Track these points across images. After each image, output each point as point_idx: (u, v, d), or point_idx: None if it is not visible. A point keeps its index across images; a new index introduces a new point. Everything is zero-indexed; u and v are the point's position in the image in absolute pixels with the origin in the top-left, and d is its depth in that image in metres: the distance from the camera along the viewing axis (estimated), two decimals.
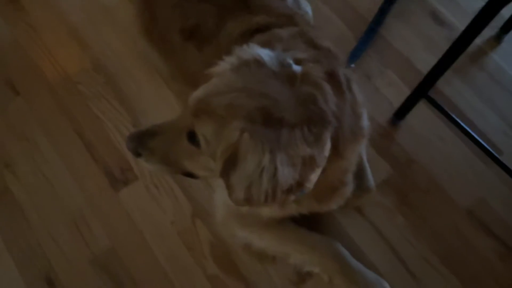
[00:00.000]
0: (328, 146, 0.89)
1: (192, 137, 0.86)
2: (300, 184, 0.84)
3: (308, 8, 1.55)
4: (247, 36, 1.09)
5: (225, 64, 0.89)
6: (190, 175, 0.97)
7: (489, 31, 1.61)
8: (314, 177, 0.90)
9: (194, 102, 0.85)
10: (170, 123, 0.93)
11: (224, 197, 1.23)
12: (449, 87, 1.52)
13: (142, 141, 0.93)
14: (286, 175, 0.79)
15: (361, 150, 1.27)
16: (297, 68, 0.86)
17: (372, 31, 1.58)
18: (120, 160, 1.39)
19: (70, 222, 1.31)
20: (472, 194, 1.36)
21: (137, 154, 0.94)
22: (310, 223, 1.25)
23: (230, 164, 0.81)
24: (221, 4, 1.19)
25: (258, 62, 0.85)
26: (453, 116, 1.34)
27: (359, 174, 1.28)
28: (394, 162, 1.39)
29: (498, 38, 1.61)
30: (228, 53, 0.99)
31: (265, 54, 0.86)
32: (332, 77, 0.92)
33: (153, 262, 1.27)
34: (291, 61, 0.86)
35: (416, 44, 1.56)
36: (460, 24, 1.59)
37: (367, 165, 1.32)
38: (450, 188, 1.36)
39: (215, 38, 1.18)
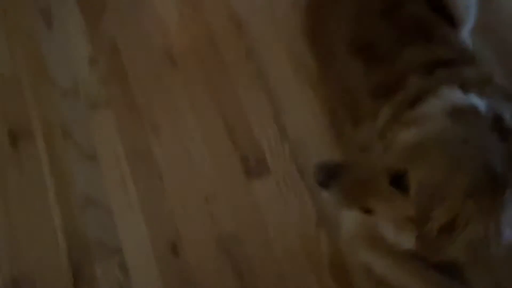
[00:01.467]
0: None
1: (398, 182, 0.84)
2: None
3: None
4: (429, 68, 1.07)
5: (434, 107, 0.87)
6: (368, 211, 0.95)
7: None
8: None
9: (409, 145, 0.84)
10: (369, 161, 0.92)
11: (355, 214, 1.24)
12: None
13: (333, 174, 0.91)
14: (510, 236, 0.77)
15: None
16: (509, 122, 0.83)
17: None
18: (256, 151, 1.43)
19: (201, 198, 1.37)
20: None
21: (325, 187, 0.93)
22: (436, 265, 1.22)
23: (447, 225, 0.79)
24: (402, 28, 1.18)
25: (476, 112, 0.83)
26: None
27: None
28: None
29: None
30: (403, 82, 0.98)
31: (479, 103, 0.84)
32: None
33: (270, 257, 1.30)
34: (505, 114, 0.84)
35: None
36: None
37: None
38: None
39: (388, 61, 1.16)
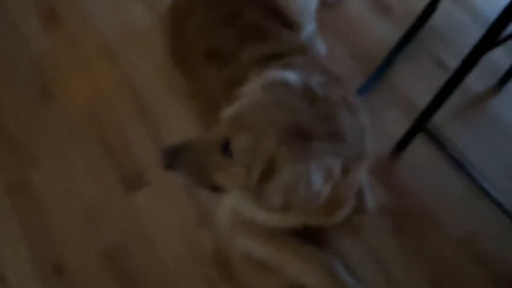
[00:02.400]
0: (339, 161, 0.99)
1: (226, 149, 0.95)
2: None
3: (322, 47, 1.70)
4: (264, 61, 1.21)
5: (254, 84, 1.00)
6: (217, 189, 1.05)
7: (489, 81, 1.74)
8: (326, 189, 0.99)
9: (230, 116, 0.96)
10: (203, 137, 1.02)
11: (230, 205, 1.33)
12: (450, 129, 1.62)
13: (176, 155, 1.00)
14: (319, 183, 0.89)
15: (363, 173, 1.36)
16: (318, 90, 0.97)
17: (380, 71, 1.71)
18: (136, 167, 1.50)
19: (83, 217, 1.40)
20: (464, 226, 1.43)
21: (171, 168, 1.01)
22: (308, 239, 1.32)
23: (266, 174, 0.90)
24: (242, 32, 1.34)
25: (286, 83, 0.97)
26: (450, 150, 1.44)
27: (359, 196, 1.37)
28: (392, 190, 1.48)
29: (498, 88, 1.73)
30: (246, 75, 1.11)
31: (291, 76, 0.98)
32: (344, 101, 1.04)
33: (157, 261, 1.34)
34: (313, 84, 0.98)
35: (420, 86, 1.67)
36: None
37: (367, 188, 1.40)
38: (444, 218, 1.44)
39: (234, 61, 1.31)
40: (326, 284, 1.26)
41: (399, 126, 1.58)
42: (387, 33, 1.82)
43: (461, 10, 1.87)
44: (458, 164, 1.43)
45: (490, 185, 1.46)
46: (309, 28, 1.55)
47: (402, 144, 1.51)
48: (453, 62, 1.74)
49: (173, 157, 1.01)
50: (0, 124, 1.56)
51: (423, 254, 1.38)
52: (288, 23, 1.43)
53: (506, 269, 1.36)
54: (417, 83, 1.69)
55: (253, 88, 1.00)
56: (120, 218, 1.40)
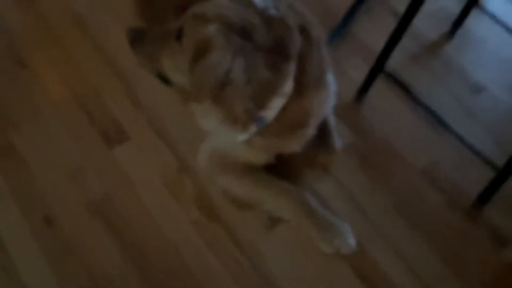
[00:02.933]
0: (289, 83, 1.09)
1: (179, 36, 1.07)
2: (259, 106, 1.03)
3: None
4: None
5: None
6: (165, 81, 1.21)
7: (443, 28, 1.86)
8: (274, 106, 1.09)
9: (191, 11, 1.07)
10: (165, 26, 1.15)
11: (208, 147, 1.42)
12: (408, 73, 1.74)
13: (139, 34, 1.18)
14: (239, 78, 0.99)
15: (328, 113, 1.47)
16: (277, 13, 1.06)
17: (342, 26, 1.81)
18: (115, 124, 1.56)
19: (68, 174, 1.47)
20: (425, 157, 1.55)
21: (132, 42, 1.18)
22: (282, 176, 1.42)
23: (199, 54, 1.01)
24: None
25: (249, 1, 1.06)
26: (408, 89, 1.55)
27: (326, 135, 1.47)
28: (358, 130, 1.59)
29: (451, 33, 1.85)
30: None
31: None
32: (304, 31, 1.13)
33: (142, 209, 1.42)
34: (274, 8, 1.07)
35: (379, 36, 1.78)
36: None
37: (333, 127, 1.51)
38: (406, 152, 1.56)
39: None
40: (300, 216, 1.36)
41: (361, 73, 1.69)
42: None
43: None
44: (417, 101, 1.55)
45: (446, 119, 1.58)
46: None
47: (365, 88, 1.62)
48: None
49: (136, 36, 1.18)
50: None
51: (388, 185, 1.50)
52: None
53: (464, 194, 1.50)
54: (376, 33, 1.80)
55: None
56: (103, 172, 1.47)
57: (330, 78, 1.29)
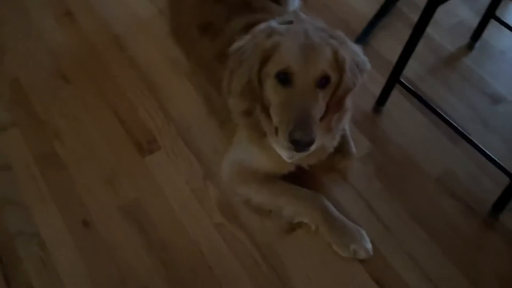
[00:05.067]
0: None
1: None
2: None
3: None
4: (248, 29, 1.39)
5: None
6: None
7: (462, 41, 1.91)
8: None
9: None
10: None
11: (231, 159, 1.52)
12: (427, 85, 1.80)
13: None
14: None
15: (345, 125, 1.54)
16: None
17: (360, 39, 1.89)
18: (147, 135, 1.69)
19: (104, 180, 1.60)
20: (441, 166, 1.60)
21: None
22: (299, 183, 1.50)
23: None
24: (231, 5, 1.53)
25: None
26: (425, 99, 1.61)
27: (343, 143, 1.55)
28: (375, 139, 1.66)
29: (470, 46, 1.90)
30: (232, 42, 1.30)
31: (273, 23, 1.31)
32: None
33: (169, 212, 1.53)
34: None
35: (397, 49, 1.84)
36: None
37: (349, 136, 1.58)
38: (422, 161, 1.61)
39: (224, 31, 1.50)
40: (318, 221, 1.44)
41: (379, 86, 1.76)
42: (365, 8, 2.02)
43: None
44: (433, 110, 1.59)
45: (463, 129, 1.62)
46: (295, 3, 1.75)
47: (382, 99, 1.69)
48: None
49: None
50: (27, 107, 1.77)
51: (403, 192, 1.55)
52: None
53: (479, 202, 1.53)
54: (394, 46, 1.85)
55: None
56: (135, 179, 1.60)
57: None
